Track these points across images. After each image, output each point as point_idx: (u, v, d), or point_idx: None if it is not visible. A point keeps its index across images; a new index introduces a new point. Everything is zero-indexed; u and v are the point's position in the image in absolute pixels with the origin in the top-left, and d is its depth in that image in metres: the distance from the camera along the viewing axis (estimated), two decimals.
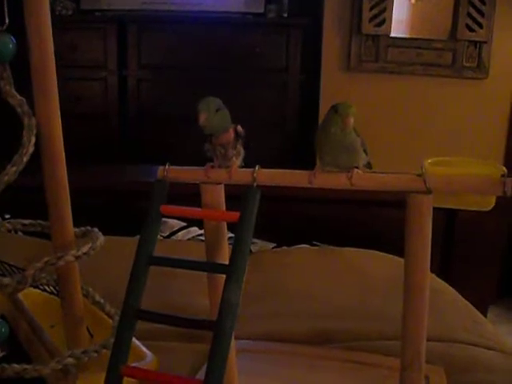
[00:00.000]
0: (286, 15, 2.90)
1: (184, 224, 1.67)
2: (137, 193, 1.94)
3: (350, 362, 0.91)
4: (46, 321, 0.93)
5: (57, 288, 0.96)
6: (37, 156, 0.77)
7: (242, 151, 0.76)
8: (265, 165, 0.75)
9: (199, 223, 1.74)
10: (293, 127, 2.85)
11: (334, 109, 0.72)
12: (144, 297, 0.71)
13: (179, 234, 1.63)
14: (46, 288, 0.96)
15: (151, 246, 0.73)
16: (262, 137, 2.52)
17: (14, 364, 0.73)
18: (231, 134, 0.74)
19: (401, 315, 0.77)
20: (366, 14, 2.66)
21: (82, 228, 0.85)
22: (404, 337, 0.77)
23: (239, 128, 0.75)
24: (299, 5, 2.93)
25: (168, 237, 1.64)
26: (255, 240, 1.50)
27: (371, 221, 1.60)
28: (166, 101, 2.89)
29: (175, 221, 1.69)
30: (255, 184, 0.72)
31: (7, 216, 1.60)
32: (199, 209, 0.75)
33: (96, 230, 0.84)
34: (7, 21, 0.74)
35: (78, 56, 2.85)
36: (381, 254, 1.33)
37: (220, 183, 0.75)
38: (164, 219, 1.78)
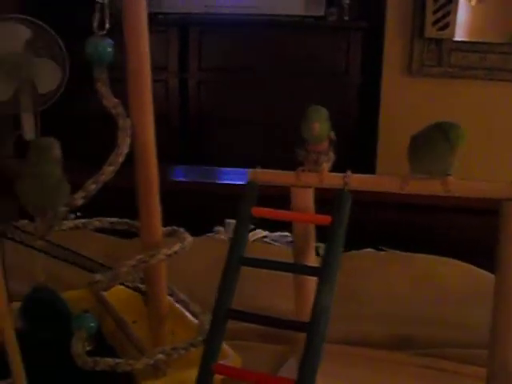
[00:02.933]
0: (346, 18, 2.90)
1: (251, 226, 1.68)
2: (195, 193, 1.97)
3: (432, 368, 0.90)
4: (128, 317, 0.95)
5: (139, 285, 0.98)
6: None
7: (333, 156, 0.77)
8: None
9: (264, 226, 1.75)
10: (352, 131, 2.84)
11: (443, 131, 0.70)
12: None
13: None
14: (129, 284, 0.98)
15: (242, 247, 0.74)
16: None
17: (107, 358, 0.76)
18: (327, 142, 0.75)
19: (478, 324, 0.76)
20: (430, 18, 2.62)
21: (169, 227, 0.86)
22: (491, 345, 0.76)
23: (332, 135, 0.76)
24: (360, 8, 2.92)
25: None
26: (321, 244, 1.50)
27: (437, 226, 1.58)
28: (226, 103, 2.92)
29: None
30: (346, 188, 0.73)
31: (78, 214, 1.64)
32: (290, 211, 0.76)
33: (182, 229, 0.86)
34: (107, 25, 0.76)
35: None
36: (454, 261, 1.31)
37: (310, 187, 0.76)
38: (231, 221, 1.80)
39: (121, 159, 0.76)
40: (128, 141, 0.76)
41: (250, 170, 0.78)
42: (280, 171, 0.78)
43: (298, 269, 0.76)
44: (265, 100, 2.89)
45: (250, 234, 1.65)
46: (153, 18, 2.99)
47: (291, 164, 0.82)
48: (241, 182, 1.89)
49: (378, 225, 1.59)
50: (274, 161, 0.99)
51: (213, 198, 1.91)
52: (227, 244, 1.49)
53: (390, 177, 0.75)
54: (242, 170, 2.02)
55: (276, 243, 1.67)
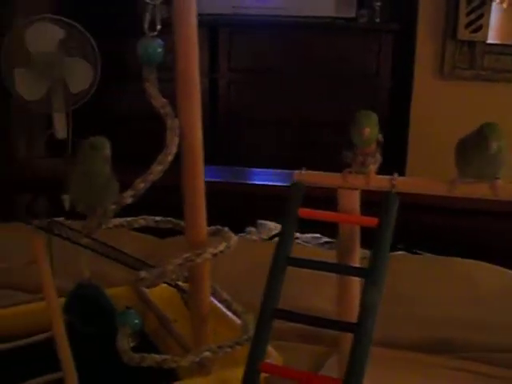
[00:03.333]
0: (378, 20, 2.89)
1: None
2: (226, 193, 1.98)
3: (472, 372, 0.90)
4: (169, 315, 0.96)
5: (179, 283, 0.99)
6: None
7: (379, 158, 0.77)
8: None
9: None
10: (383, 133, 2.83)
11: (484, 133, 0.70)
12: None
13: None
14: (170, 282, 0.99)
15: (288, 247, 0.74)
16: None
17: (153, 354, 0.77)
18: (375, 145, 0.75)
19: None
20: (463, 20, 2.61)
21: (213, 227, 0.87)
22: None
23: (380, 137, 0.76)
24: (392, 9, 2.91)
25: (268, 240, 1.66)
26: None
27: (475, 231, 1.57)
28: (255, 103, 2.93)
29: (274, 224, 1.72)
30: (394, 191, 0.73)
31: None
32: (336, 213, 0.76)
33: (226, 229, 0.86)
34: (159, 27, 0.77)
35: (171, 58, 2.92)
36: (492, 266, 1.30)
37: (357, 189, 0.76)
38: (263, 222, 1.81)
39: (170, 158, 0.77)
40: (176, 140, 0.77)
41: (296, 171, 0.78)
42: (326, 173, 0.78)
43: (346, 270, 0.76)
44: (294, 101, 2.89)
45: None
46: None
47: (320, 164, 0.82)
48: (272, 183, 1.90)
49: (414, 228, 1.58)
50: (302, 161, 0.98)
51: (244, 198, 1.92)
52: (261, 245, 1.50)
53: (437, 180, 0.75)
54: (273, 170, 2.03)
55: (308, 245, 1.68)
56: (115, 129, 3.03)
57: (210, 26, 2.95)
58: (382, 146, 0.77)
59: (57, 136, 2.94)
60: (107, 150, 0.80)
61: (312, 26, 2.89)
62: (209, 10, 2.96)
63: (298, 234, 1.78)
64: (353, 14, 2.89)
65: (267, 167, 2.18)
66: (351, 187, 0.76)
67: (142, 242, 1.37)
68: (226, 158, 2.88)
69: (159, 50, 0.77)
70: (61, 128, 2.93)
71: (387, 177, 0.75)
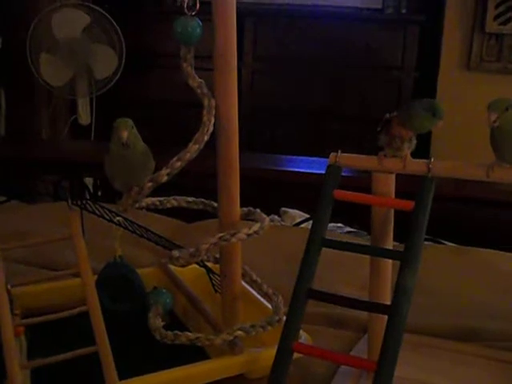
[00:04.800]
0: (404, 11, 2.87)
1: (307, 216, 1.69)
2: (250, 179, 1.96)
3: (498, 360, 0.90)
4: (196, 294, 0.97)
5: (205, 263, 1.00)
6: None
7: (415, 144, 0.77)
8: None
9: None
10: None
11: None
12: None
13: (302, 226, 1.64)
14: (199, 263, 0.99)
15: (324, 229, 0.74)
16: (373, 134, 2.50)
17: (187, 332, 0.78)
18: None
19: None
20: (491, 12, 2.58)
21: (245, 208, 0.87)
22: None
23: None
24: (418, 1, 2.89)
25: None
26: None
27: (498, 221, 1.56)
28: (280, 93, 2.93)
29: (297, 212, 1.71)
30: (430, 175, 0.73)
31: None
32: (372, 195, 0.76)
33: (258, 210, 0.87)
34: (198, 6, 0.78)
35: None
36: None
37: (393, 172, 0.76)
38: (287, 209, 1.80)
39: (206, 138, 0.77)
40: (212, 120, 0.78)
41: (332, 153, 0.78)
42: (362, 155, 0.78)
43: (382, 252, 0.76)
44: (318, 91, 2.89)
45: (305, 224, 1.65)
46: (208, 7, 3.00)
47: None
48: (297, 170, 1.88)
49: (438, 217, 1.57)
50: (325, 152, 0.97)
51: (268, 185, 1.91)
52: (285, 231, 1.50)
53: (475, 164, 0.75)
54: (297, 157, 2.02)
55: (334, 233, 1.67)
56: (138, 115, 3.05)
57: (236, 15, 2.94)
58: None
59: (80, 122, 2.97)
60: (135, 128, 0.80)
61: (338, 17, 2.88)
62: None
63: None
64: (379, 5, 2.88)
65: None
66: (387, 171, 0.76)
67: (166, 225, 1.38)
68: (250, 147, 2.88)
69: (198, 29, 0.77)
70: (84, 114, 2.95)
71: (424, 160, 0.74)
